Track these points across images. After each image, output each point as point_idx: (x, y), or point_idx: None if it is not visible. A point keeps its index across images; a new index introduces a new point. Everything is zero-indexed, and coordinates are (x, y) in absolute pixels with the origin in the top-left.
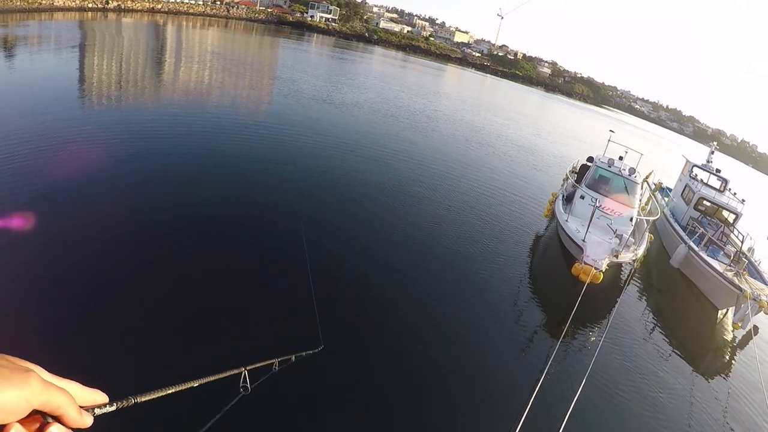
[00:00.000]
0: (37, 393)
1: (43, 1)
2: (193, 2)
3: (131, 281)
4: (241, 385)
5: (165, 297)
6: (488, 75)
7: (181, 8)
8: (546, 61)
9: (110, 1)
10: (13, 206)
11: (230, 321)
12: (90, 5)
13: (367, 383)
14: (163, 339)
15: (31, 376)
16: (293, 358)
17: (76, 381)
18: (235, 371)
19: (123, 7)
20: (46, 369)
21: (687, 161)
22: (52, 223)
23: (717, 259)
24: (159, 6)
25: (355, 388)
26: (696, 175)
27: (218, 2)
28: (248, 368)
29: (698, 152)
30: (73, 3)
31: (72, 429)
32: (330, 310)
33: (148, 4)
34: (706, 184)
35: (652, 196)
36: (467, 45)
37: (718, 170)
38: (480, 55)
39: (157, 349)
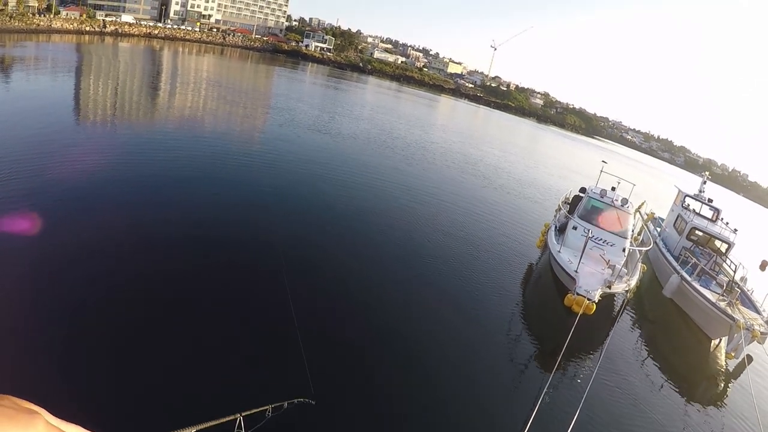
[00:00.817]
0: None
1: (41, 23)
2: (190, 29)
3: (126, 326)
4: (235, 431)
5: (156, 339)
6: (481, 106)
7: (177, 34)
8: (538, 92)
9: (107, 25)
10: None
11: (224, 364)
12: (87, 28)
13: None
14: (159, 381)
15: (36, 418)
16: (286, 404)
17: (79, 425)
18: (231, 417)
19: (120, 31)
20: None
21: (679, 191)
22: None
23: (710, 289)
24: (156, 31)
25: None
26: (688, 204)
27: (214, 30)
28: (243, 414)
29: (690, 182)
30: (71, 26)
31: None
32: (319, 354)
33: (144, 29)
34: (699, 214)
35: (645, 227)
36: (460, 76)
37: (710, 200)
38: (473, 86)
39: (155, 391)
